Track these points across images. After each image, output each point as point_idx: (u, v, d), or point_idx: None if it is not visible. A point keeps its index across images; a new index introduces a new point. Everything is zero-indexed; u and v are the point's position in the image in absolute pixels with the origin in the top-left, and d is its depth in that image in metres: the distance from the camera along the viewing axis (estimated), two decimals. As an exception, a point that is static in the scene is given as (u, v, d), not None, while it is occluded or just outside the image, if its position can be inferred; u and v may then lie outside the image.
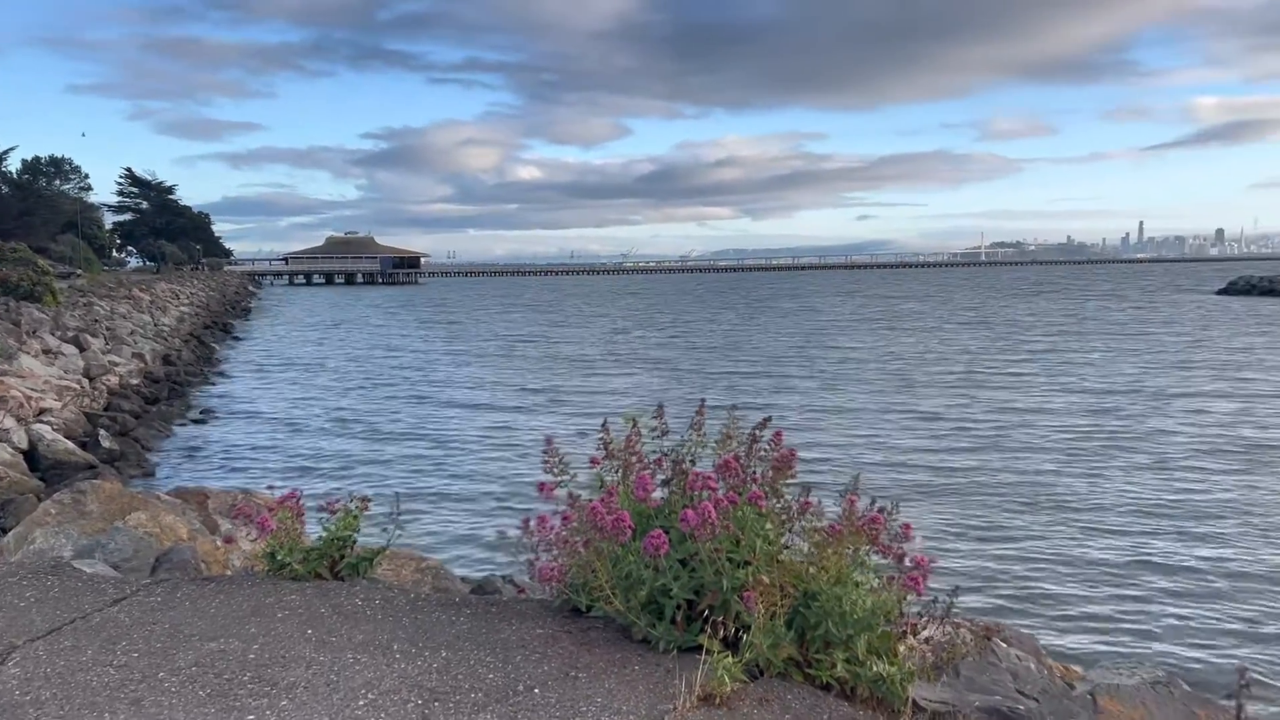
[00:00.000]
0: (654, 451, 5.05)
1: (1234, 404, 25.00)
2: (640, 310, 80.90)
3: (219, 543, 6.86)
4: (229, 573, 6.15)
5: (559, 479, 4.81)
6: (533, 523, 4.71)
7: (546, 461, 4.85)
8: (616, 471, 4.95)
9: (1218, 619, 10.43)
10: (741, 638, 4.06)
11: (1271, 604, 10.81)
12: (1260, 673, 8.84)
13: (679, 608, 4.31)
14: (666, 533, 4.33)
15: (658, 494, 4.82)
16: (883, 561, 4.46)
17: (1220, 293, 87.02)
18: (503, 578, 8.10)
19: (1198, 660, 9.32)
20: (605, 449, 4.95)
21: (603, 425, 5.03)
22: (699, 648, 4.01)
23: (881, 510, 4.40)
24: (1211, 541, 13.17)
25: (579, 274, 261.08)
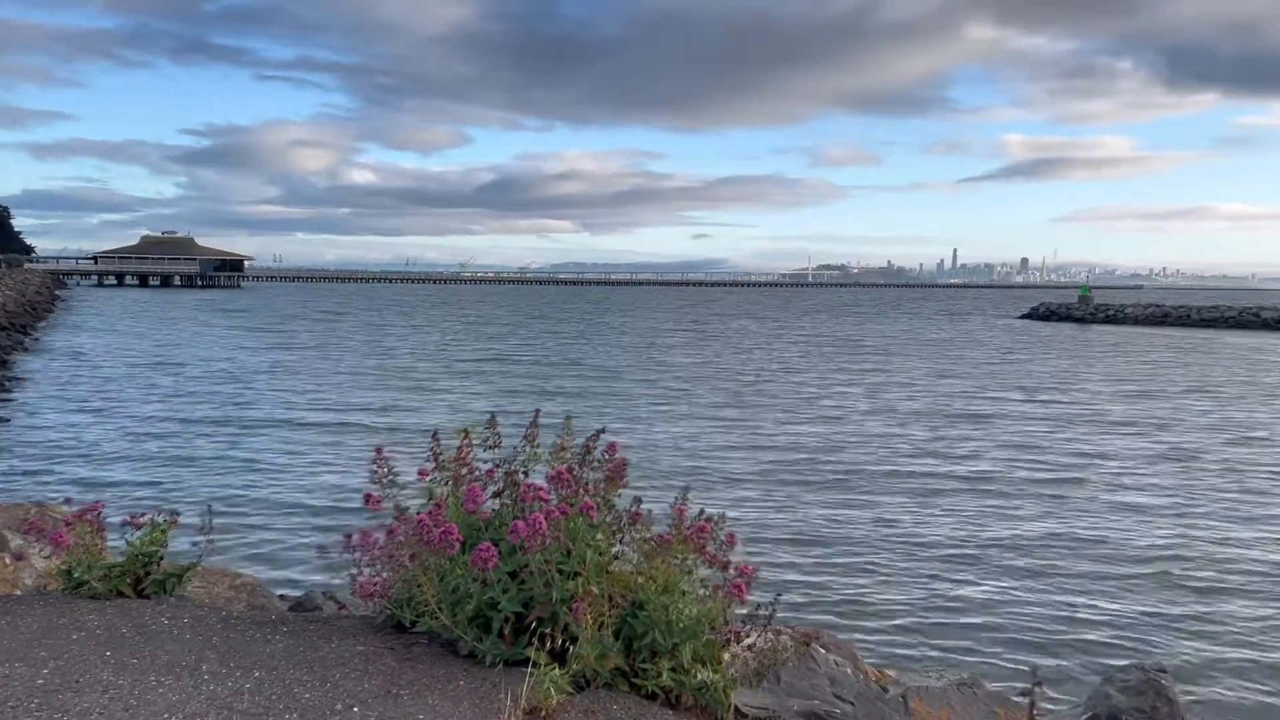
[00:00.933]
0: (486, 463, 4.98)
1: (1041, 425, 26.84)
2: (477, 320, 80.00)
3: (8, 560, 6.33)
4: (18, 592, 5.68)
5: (387, 491, 4.68)
6: (355, 537, 4.55)
7: (375, 473, 4.71)
8: (447, 483, 4.86)
9: (1018, 625, 11.14)
10: (569, 649, 4.05)
11: (1061, 611, 11.63)
12: (1048, 673, 9.50)
13: (507, 621, 4.25)
14: (496, 545, 4.27)
15: (489, 506, 4.76)
16: (709, 571, 4.54)
17: (1023, 317, 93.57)
18: (324, 594, 7.80)
19: (999, 662, 9.92)
20: (435, 460, 4.85)
21: (433, 436, 4.92)
22: (526, 661, 3.97)
23: (708, 520, 4.48)
24: (1020, 551, 14.07)
25: (415, 282, 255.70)
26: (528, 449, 4.92)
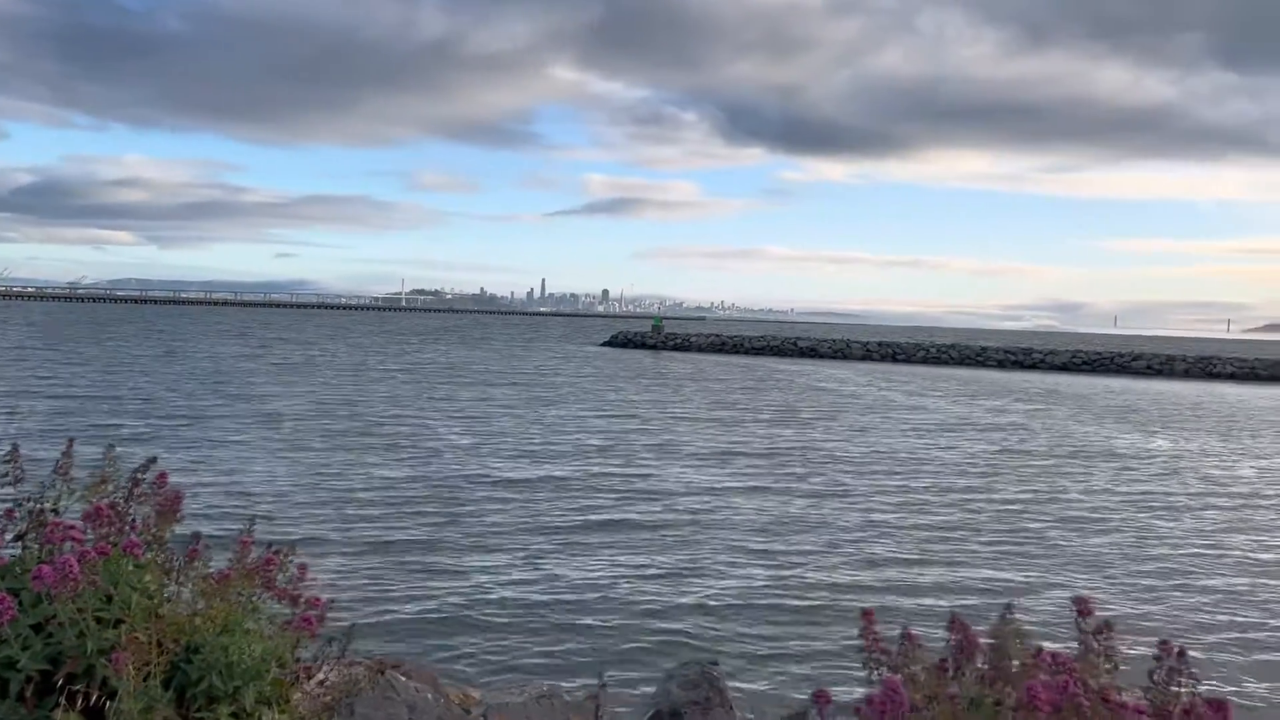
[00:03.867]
0: (5, 502, 4.32)
1: (650, 439, 28.55)
2: (7, 343, 69.58)
3: None
4: None
5: None
6: None
7: None
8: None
9: (593, 632, 11.71)
10: (106, 705, 3.60)
11: (634, 618, 12.42)
12: (629, 675, 10.09)
13: (29, 680, 3.69)
14: (16, 595, 3.70)
15: (7, 552, 4.12)
16: (279, 606, 4.29)
17: (604, 344, 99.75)
18: None
19: (577, 671, 10.33)
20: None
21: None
22: (54, 724, 3.46)
23: (276, 552, 4.22)
24: (596, 558, 14.80)
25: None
26: (59, 484, 4.33)
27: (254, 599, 4.21)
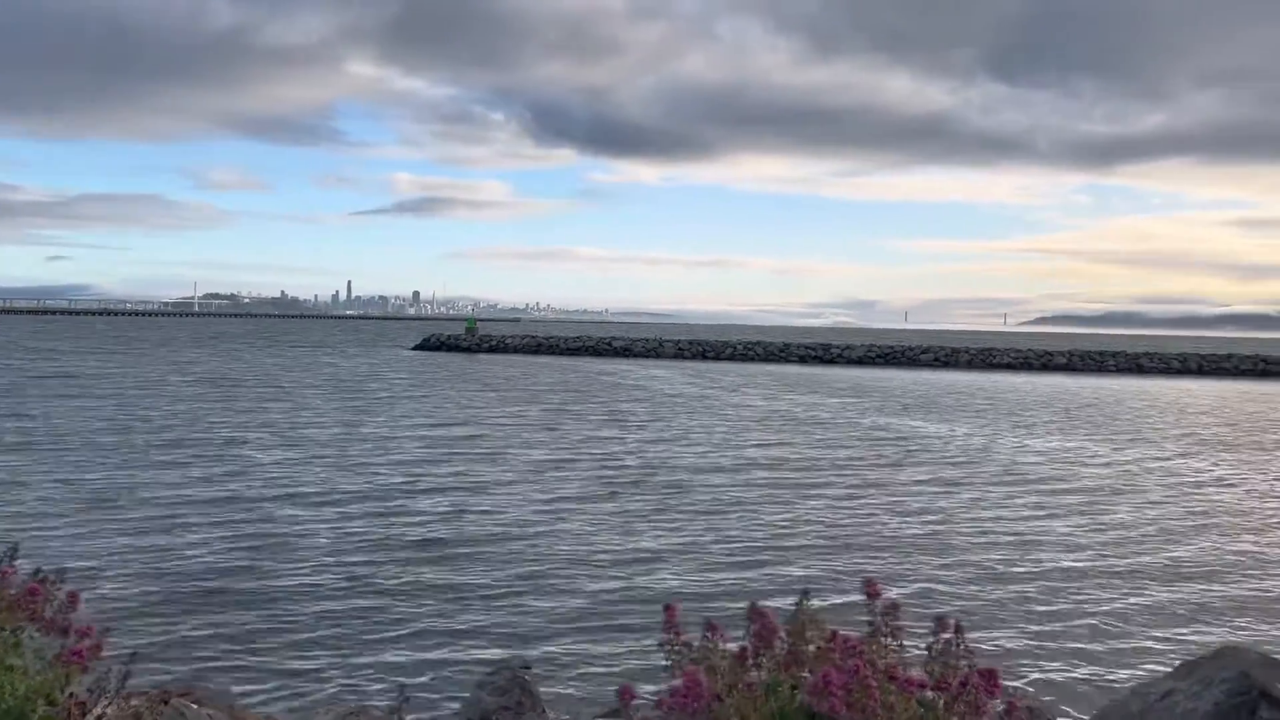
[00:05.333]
0: None
1: (436, 448, 27.94)
2: None
3: None
4: None
5: None
6: None
7: None
8: None
9: (400, 644, 11.42)
10: None
11: (438, 624, 12.20)
12: (435, 684, 9.88)
13: None
14: None
15: None
16: (48, 639, 3.94)
17: (415, 348, 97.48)
18: None
19: (385, 685, 10.04)
20: None
21: None
22: None
23: (42, 581, 3.88)
24: (405, 564, 14.43)
25: None
26: None
27: (17, 634, 3.86)
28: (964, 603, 13.39)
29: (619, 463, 25.57)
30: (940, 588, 14.24)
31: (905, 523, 18.77)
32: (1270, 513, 21.01)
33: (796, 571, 14.94)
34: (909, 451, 29.16)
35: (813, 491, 21.83)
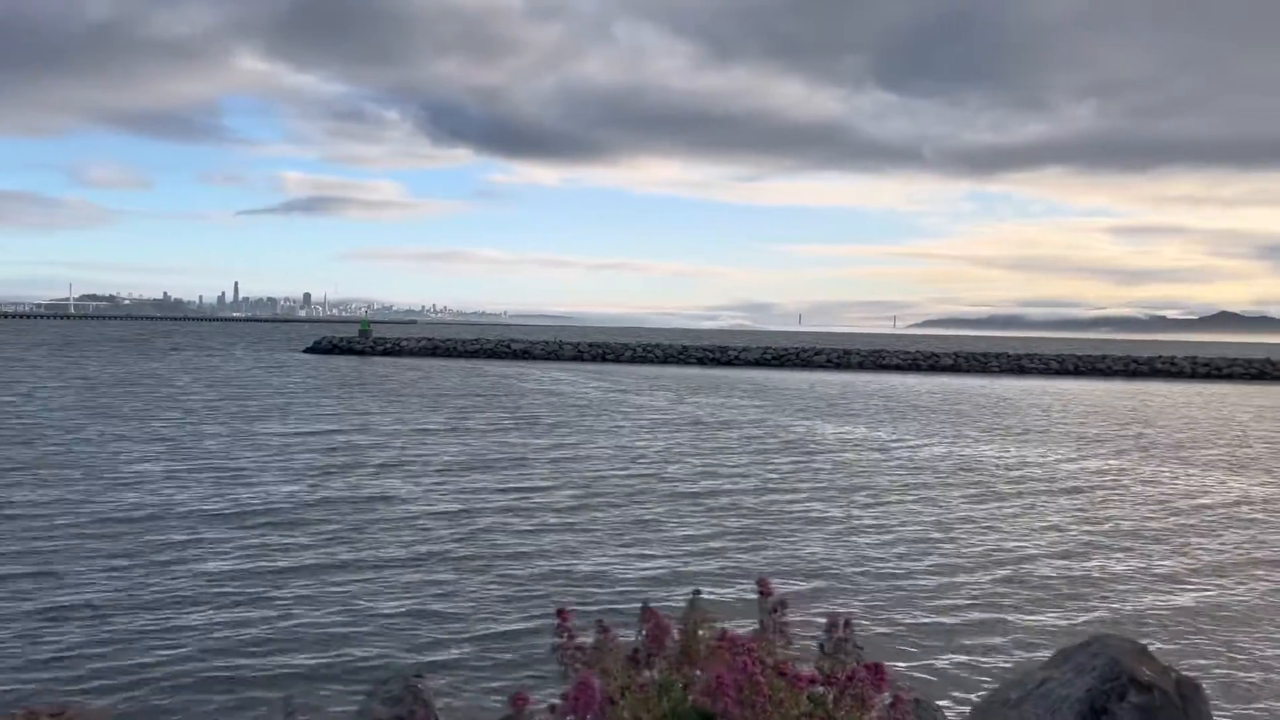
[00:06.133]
0: None
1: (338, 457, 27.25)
2: None
3: None
4: None
5: None
6: None
7: None
8: None
9: (285, 657, 11.11)
10: None
11: (322, 636, 11.92)
12: (327, 695, 9.64)
13: None
14: None
15: None
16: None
17: (307, 351, 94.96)
18: None
19: (264, 700, 9.76)
20: None
21: None
22: None
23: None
24: (267, 581, 14.05)
25: None
26: None
27: None
28: (865, 599, 13.72)
29: (528, 468, 25.31)
30: (829, 586, 14.55)
31: (811, 521, 19.14)
32: (1151, 507, 22.09)
33: (709, 567, 15.11)
34: (811, 453, 29.74)
35: (723, 496, 22.10)
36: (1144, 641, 4.79)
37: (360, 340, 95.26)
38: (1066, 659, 4.60)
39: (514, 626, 12.18)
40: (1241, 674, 11.11)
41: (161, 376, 58.36)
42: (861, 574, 15.21)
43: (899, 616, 13.00)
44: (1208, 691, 4.77)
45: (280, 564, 14.97)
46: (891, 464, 27.58)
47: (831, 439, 33.34)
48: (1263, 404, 56.11)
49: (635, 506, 20.23)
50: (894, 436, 34.57)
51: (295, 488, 21.48)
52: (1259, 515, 21.11)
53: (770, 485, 23.37)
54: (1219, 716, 5.39)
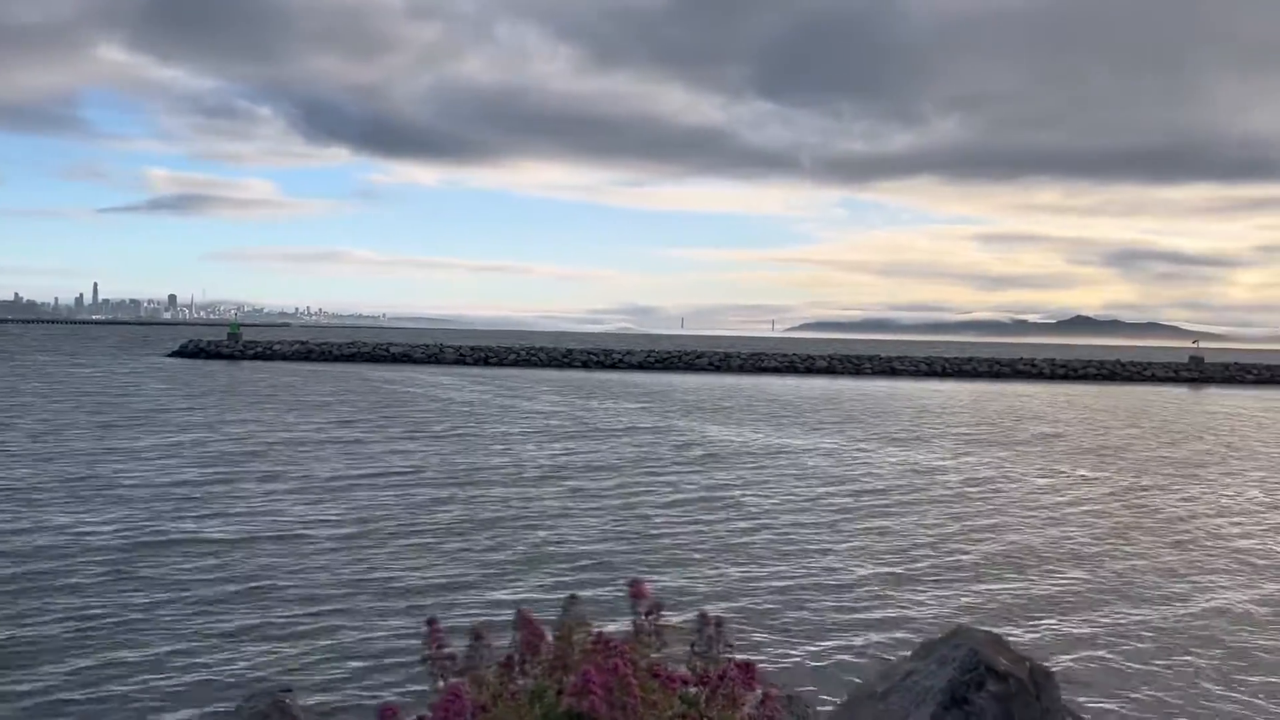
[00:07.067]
0: None
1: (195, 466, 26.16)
2: None
3: None
4: None
5: None
6: None
7: None
8: None
9: (126, 669, 10.66)
10: None
11: (176, 648, 11.48)
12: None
13: None
14: None
15: None
16: None
17: (172, 355, 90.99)
18: None
19: None
20: None
21: None
22: None
23: None
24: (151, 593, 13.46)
25: None
26: None
27: None
28: (741, 601, 13.94)
29: (414, 477, 24.62)
30: (710, 589, 14.76)
31: (698, 524, 19.36)
32: (1015, 502, 23.13)
33: (605, 575, 15.10)
34: (699, 457, 30.09)
35: (607, 497, 22.19)
36: (1003, 631, 5.02)
37: (230, 343, 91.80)
38: (930, 651, 4.78)
39: (390, 644, 11.85)
40: (1091, 661, 11.74)
41: (12, 383, 54.96)
42: (740, 576, 15.46)
43: (772, 616, 13.27)
44: (1059, 678, 5.03)
45: (141, 574, 14.31)
46: (778, 464, 28.14)
47: (724, 440, 33.82)
48: (1114, 404, 59.52)
49: (532, 515, 20.07)
50: (783, 438, 35.29)
51: (160, 503, 20.53)
52: (1114, 507, 22.40)
53: (659, 487, 23.59)
54: (1069, 701, 5.68)
